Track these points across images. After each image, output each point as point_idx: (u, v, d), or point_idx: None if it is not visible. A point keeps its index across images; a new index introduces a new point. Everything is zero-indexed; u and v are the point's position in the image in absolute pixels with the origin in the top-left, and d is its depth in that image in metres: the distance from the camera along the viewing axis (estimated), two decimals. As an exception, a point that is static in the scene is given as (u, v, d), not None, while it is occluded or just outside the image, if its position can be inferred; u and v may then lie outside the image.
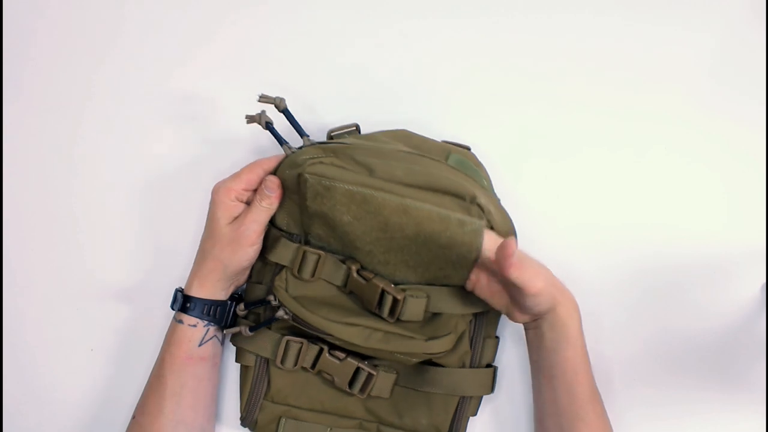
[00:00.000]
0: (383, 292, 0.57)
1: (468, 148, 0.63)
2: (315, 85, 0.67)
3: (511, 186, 0.63)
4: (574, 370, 0.57)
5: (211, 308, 0.60)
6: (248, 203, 0.60)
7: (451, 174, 0.57)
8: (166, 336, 0.61)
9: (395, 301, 0.57)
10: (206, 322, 0.60)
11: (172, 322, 0.61)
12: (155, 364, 0.61)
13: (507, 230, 0.58)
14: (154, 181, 0.68)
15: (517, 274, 0.53)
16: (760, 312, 0.64)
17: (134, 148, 0.68)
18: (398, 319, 0.58)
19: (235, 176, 0.59)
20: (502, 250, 0.53)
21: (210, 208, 0.60)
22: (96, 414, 0.67)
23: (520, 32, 0.66)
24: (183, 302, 0.60)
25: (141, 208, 0.68)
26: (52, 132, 0.69)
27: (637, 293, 0.65)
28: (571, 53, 0.66)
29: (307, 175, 0.56)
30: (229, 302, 0.62)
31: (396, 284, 0.58)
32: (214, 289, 0.60)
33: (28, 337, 0.68)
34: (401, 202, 0.55)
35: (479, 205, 0.56)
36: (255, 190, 0.60)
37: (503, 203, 0.61)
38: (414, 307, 0.57)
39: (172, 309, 0.61)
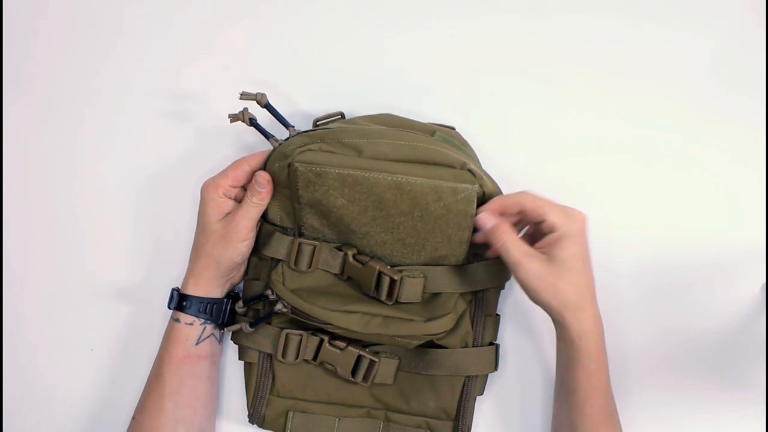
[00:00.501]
0: (380, 274, 0.58)
1: (453, 128, 0.63)
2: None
3: (511, 186, 0.63)
4: (585, 392, 0.56)
5: (207, 306, 0.61)
6: (237, 200, 0.60)
7: (438, 146, 0.58)
8: (164, 335, 0.61)
9: (392, 282, 0.57)
10: (203, 320, 0.61)
11: (169, 321, 0.61)
12: (154, 363, 0.61)
13: (498, 192, 0.59)
14: (154, 181, 0.68)
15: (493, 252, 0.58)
16: (760, 312, 0.64)
17: (133, 148, 0.68)
18: (397, 302, 0.58)
19: (222, 173, 0.60)
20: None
21: (200, 206, 0.60)
22: (96, 414, 0.67)
23: (520, 34, 0.66)
24: (179, 301, 0.60)
25: (141, 208, 0.68)
26: (51, 133, 0.69)
27: (637, 293, 0.65)
28: (572, 55, 0.66)
29: (297, 164, 0.56)
30: (225, 300, 0.62)
31: (393, 267, 0.59)
32: (209, 286, 0.61)
33: (28, 337, 0.68)
34: (393, 179, 0.55)
35: (470, 171, 0.56)
36: (243, 187, 0.60)
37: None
38: (412, 288, 0.58)
39: (169, 308, 0.61)
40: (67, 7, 0.69)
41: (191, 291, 0.60)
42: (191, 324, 0.60)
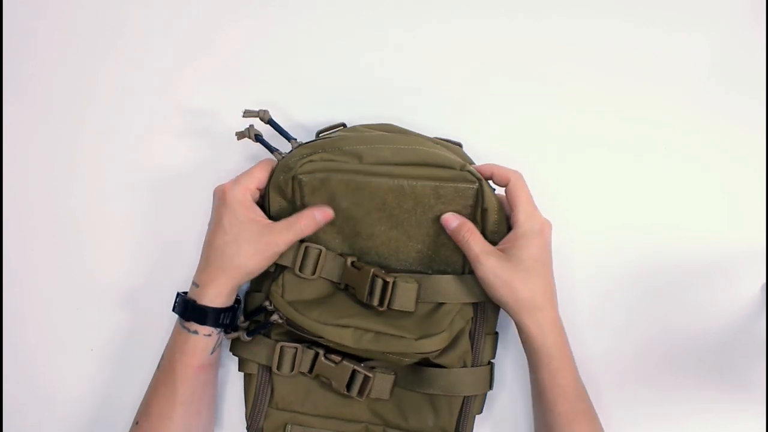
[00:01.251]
0: (374, 278, 0.58)
1: (460, 145, 0.63)
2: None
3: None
4: (553, 392, 0.56)
5: (225, 316, 0.59)
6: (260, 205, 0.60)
7: (438, 149, 0.59)
8: (176, 344, 0.58)
9: (385, 285, 0.57)
10: (219, 329, 0.59)
11: (182, 331, 0.58)
12: (162, 371, 0.59)
13: (496, 199, 0.59)
14: (153, 183, 0.68)
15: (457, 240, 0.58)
16: (760, 312, 0.64)
17: (134, 150, 0.68)
18: (390, 308, 0.58)
19: (247, 174, 0.58)
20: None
21: (223, 209, 0.57)
22: (96, 414, 0.67)
23: (520, 35, 0.66)
24: (199, 313, 0.58)
25: (141, 208, 0.68)
26: (54, 133, 0.69)
27: (637, 293, 0.65)
28: (572, 56, 0.66)
29: (300, 177, 0.57)
30: (236, 305, 0.61)
31: (396, 271, 0.59)
32: (229, 297, 0.58)
33: (28, 337, 0.68)
34: (394, 183, 0.57)
35: (470, 172, 0.57)
36: (259, 190, 0.60)
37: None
38: (404, 293, 0.58)
39: (184, 319, 0.58)
40: (68, 7, 0.69)
41: (211, 302, 0.58)
42: (209, 335, 0.58)
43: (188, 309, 0.58)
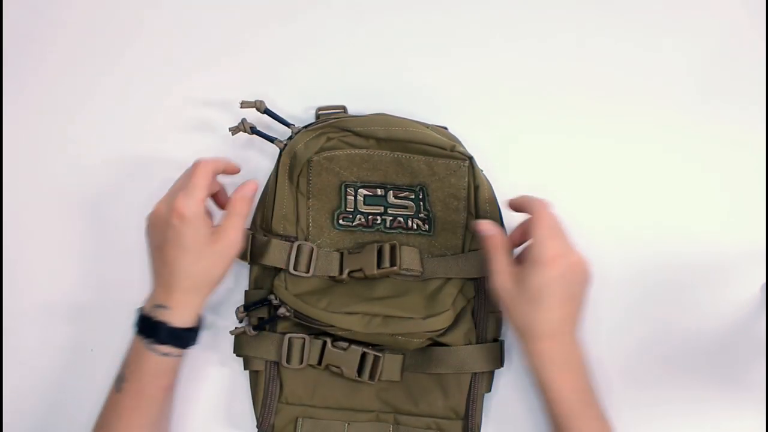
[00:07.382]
0: (380, 250, 0.60)
1: (445, 128, 0.65)
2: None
3: (509, 190, 0.63)
4: (544, 390, 0.57)
5: (197, 334, 0.59)
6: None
7: (430, 131, 0.62)
8: (146, 368, 0.56)
9: (393, 251, 0.60)
10: (189, 347, 0.59)
11: (151, 354, 0.56)
12: (127, 394, 0.57)
13: (486, 181, 0.62)
14: (156, 183, 0.68)
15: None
16: (760, 312, 0.64)
17: (133, 149, 0.68)
18: (398, 273, 0.61)
19: (195, 186, 0.56)
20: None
21: (185, 229, 0.55)
22: (95, 415, 0.67)
23: (518, 34, 0.66)
24: (179, 337, 0.57)
25: (142, 209, 0.68)
26: (58, 133, 0.69)
27: (637, 294, 0.65)
28: (569, 54, 0.66)
29: (313, 158, 0.61)
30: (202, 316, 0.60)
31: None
32: (198, 313, 0.58)
33: (28, 337, 0.68)
34: (393, 155, 0.61)
35: (460, 152, 0.61)
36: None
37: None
38: (409, 255, 0.61)
39: (156, 343, 0.56)
40: (64, 7, 0.69)
41: (186, 324, 0.57)
42: (180, 355, 0.58)
43: (163, 333, 0.56)
